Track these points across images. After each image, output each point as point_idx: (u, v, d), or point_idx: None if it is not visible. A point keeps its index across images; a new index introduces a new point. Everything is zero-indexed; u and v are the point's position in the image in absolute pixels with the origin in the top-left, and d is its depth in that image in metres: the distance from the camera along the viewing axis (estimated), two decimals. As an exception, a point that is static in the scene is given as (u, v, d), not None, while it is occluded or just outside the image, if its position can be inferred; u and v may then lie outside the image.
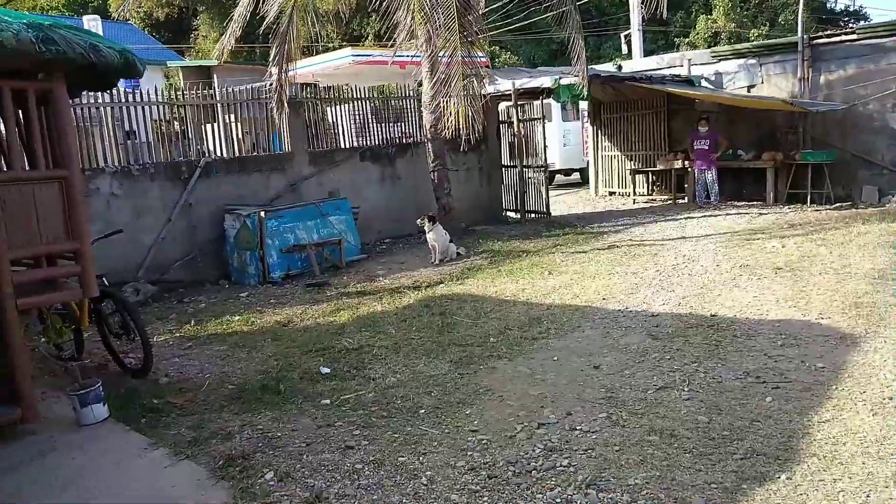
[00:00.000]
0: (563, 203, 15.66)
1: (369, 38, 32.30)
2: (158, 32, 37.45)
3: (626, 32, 19.03)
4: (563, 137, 18.67)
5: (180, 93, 9.88)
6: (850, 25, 12.90)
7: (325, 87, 11.48)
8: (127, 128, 9.07)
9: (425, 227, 9.72)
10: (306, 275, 9.34)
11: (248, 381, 5.29)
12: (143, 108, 9.15)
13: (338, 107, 11.50)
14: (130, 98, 9.05)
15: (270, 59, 9.54)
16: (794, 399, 4.22)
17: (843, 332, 5.32)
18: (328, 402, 4.74)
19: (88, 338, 6.08)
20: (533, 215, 13.12)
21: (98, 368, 5.79)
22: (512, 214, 13.60)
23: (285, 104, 9.63)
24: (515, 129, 12.79)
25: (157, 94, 9.23)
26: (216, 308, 8.07)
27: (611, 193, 16.08)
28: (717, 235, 9.98)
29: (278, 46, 9.23)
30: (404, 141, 12.11)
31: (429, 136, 11.25)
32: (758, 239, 9.40)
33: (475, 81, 9.53)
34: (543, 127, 12.78)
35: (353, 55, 26.48)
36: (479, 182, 13.21)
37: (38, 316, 5.35)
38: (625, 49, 19.04)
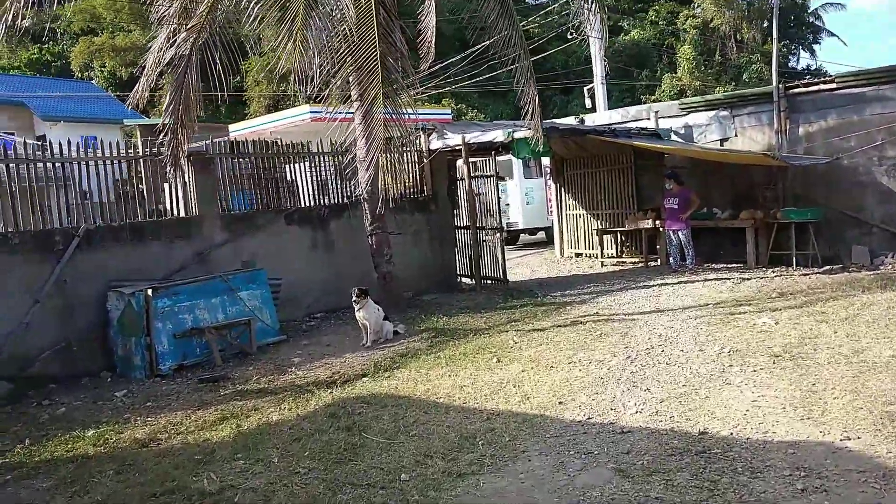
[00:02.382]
0: (525, 266, 14.26)
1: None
2: (123, 90, 36.24)
3: (590, 86, 18.04)
4: (525, 195, 17.41)
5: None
6: (829, 75, 11.85)
7: (253, 142, 10.07)
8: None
9: (354, 303, 8.16)
10: (206, 365, 7.71)
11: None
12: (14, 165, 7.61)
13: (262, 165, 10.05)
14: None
15: (164, 108, 8.09)
16: None
17: (883, 466, 3.83)
18: None
19: None
20: (489, 282, 11.65)
21: None
22: (467, 281, 12.14)
23: (181, 160, 8.12)
24: (467, 188, 11.43)
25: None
26: (77, 414, 6.38)
27: (577, 255, 14.72)
28: (697, 308, 8.56)
29: (174, 93, 7.78)
30: (341, 201, 10.63)
31: (365, 195, 9.82)
32: (744, 312, 8.00)
33: (409, 137, 8.14)
34: (497, 185, 11.42)
35: (310, 112, 25.49)
36: (429, 245, 11.75)
37: None
38: (588, 103, 18.03)
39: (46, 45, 39.09)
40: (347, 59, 7.82)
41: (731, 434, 4.46)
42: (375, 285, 9.61)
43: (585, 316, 8.68)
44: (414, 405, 5.66)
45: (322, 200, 10.43)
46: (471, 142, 11.29)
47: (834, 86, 11.40)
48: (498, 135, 11.04)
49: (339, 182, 10.69)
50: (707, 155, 11.64)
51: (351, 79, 8.45)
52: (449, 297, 10.93)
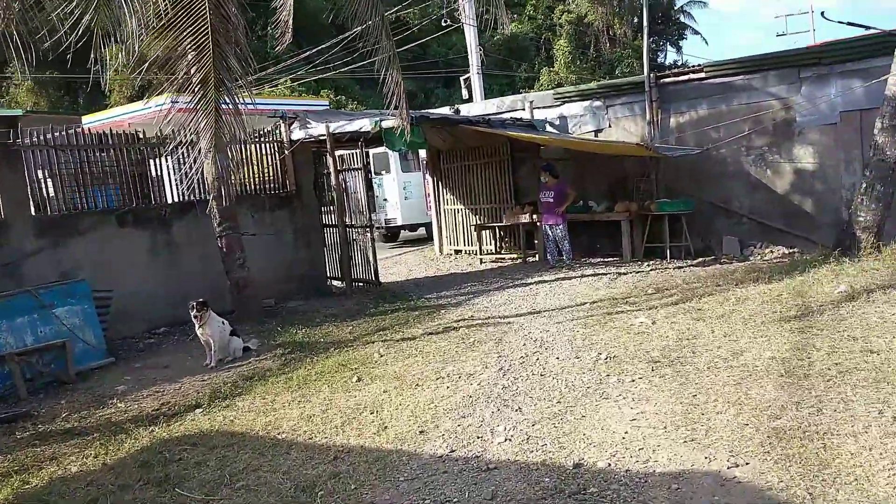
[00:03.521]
0: (403, 265, 13.52)
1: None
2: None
3: (466, 76, 17.50)
4: (403, 190, 16.67)
5: None
6: (699, 64, 11.87)
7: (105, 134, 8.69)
8: None
9: (194, 319, 7.08)
10: (9, 398, 6.40)
11: None
12: None
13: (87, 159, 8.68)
14: None
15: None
16: None
17: (775, 501, 3.34)
18: None
19: None
20: (361, 285, 10.81)
21: None
22: (339, 284, 11.24)
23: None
24: (334, 182, 10.51)
25: None
26: None
27: (457, 252, 14.14)
28: (574, 308, 8.12)
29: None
30: (190, 198, 9.38)
31: (212, 192, 8.70)
32: (621, 312, 7.61)
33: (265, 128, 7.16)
34: (365, 179, 10.56)
35: (173, 101, 23.53)
36: (295, 246, 10.73)
37: None
38: (465, 94, 17.49)
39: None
40: (184, 39, 6.70)
41: (609, 465, 3.87)
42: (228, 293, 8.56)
43: (460, 321, 8.03)
44: (249, 445, 4.74)
45: (165, 199, 9.18)
46: (336, 132, 10.37)
47: (703, 75, 11.38)
48: (365, 124, 10.20)
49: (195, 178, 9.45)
50: (581, 145, 11.33)
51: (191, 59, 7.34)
52: (317, 302, 9.99)
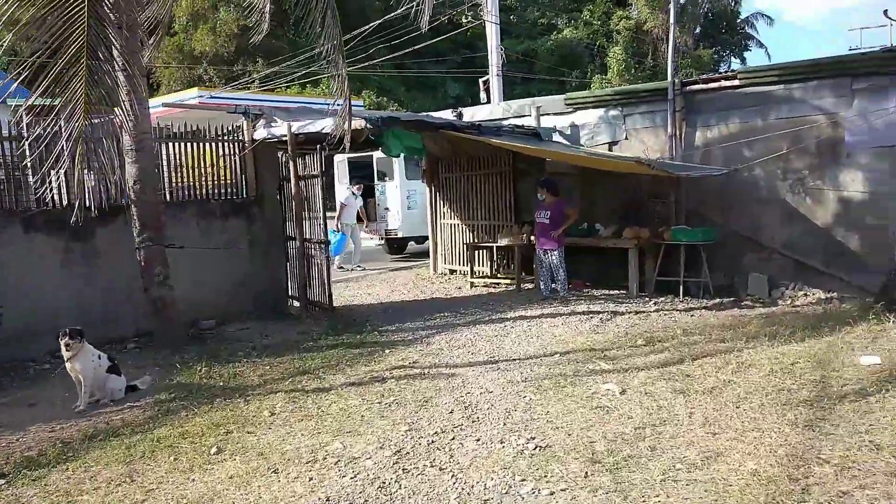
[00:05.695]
0: (386, 284, 12.15)
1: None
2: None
3: (485, 78, 16.04)
4: (406, 199, 15.30)
5: None
6: (732, 70, 10.12)
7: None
8: None
9: (64, 349, 5.87)
10: None
11: None
12: None
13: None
14: None
15: None
16: None
17: None
18: None
19: None
20: (317, 308, 9.49)
21: None
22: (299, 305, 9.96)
23: None
24: (293, 190, 9.24)
25: None
26: None
27: (451, 272, 12.70)
28: (539, 359, 6.60)
29: None
30: (120, 202, 8.21)
31: (133, 196, 7.53)
32: (592, 372, 6.06)
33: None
34: (322, 186, 9.22)
35: (198, 95, 22.84)
36: (250, 260, 9.49)
37: None
38: (483, 97, 16.03)
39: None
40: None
41: None
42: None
43: (397, 367, 6.61)
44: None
45: (86, 202, 8.03)
46: (299, 132, 9.10)
47: (737, 83, 9.65)
48: (327, 124, 8.86)
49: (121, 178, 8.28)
50: (575, 159, 9.80)
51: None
52: (262, 327, 8.72)
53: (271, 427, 5.14)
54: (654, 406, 5.04)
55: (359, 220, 14.82)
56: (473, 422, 5.02)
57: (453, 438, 4.72)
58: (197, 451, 4.72)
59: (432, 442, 4.68)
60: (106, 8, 5.59)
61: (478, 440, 4.66)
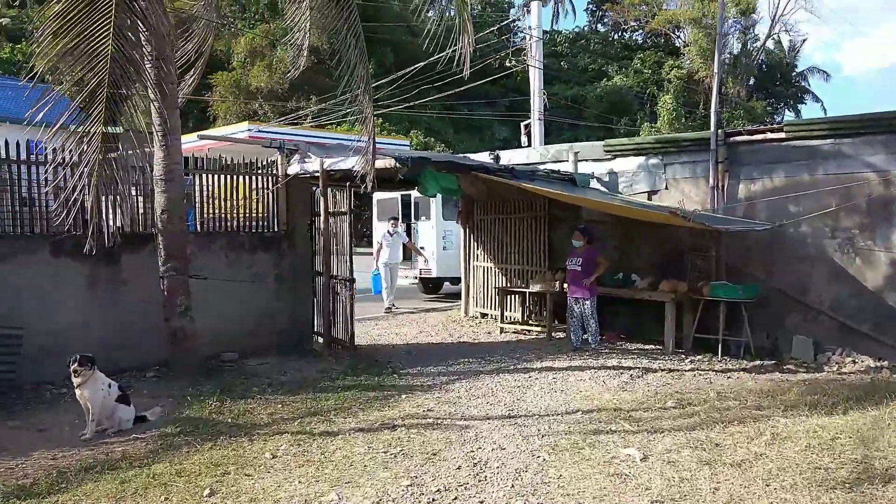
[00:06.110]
0: (415, 325, 11.94)
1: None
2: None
3: (527, 122, 15.94)
4: (442, 239, 15.15)
5: None
6: (778, 122, 9.76)
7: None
8: None
9: (73, 375, 5.81)
10: None
11: None
12: None
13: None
14: None
15: None
16: None
17: None
18: None
19: None
20: (340, 347, 9.32)
21: None
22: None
23: None
24: (321, 227, 9.19)
25: None
26: None
27: (483, 315, 12.43)
28: (560, 416, 6.27)
29: None
30: (144, 229, 8.25)
31: (160, 225, 7.55)
32: (614, 432, 5.70)
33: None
34: (352, 223, 9.11)
35: (248, 129, 23.41)
36: (277, 294, 9.41)
37: None
38: (524, 140, 15.92)
39: (19, 45, 36.38)
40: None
41: None
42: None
43: (414, 414, 6.37)
44: None
45: (117, 228, 8.10)
46: (330, 168, 9.08)
47: (783, 135, 9.30)
48: (355, 162, 8.80)
49: (146, 206, 8.36)
50: (607, 208, 9.55)
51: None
52: (282, 362, 8.59)
53: (270, 471, 4.93)
54: (676, 477, 4.67)
55: (405, 257, 14.57)
56: (480, 481, 4.73)
57: (455, 499, 4.44)
58: (189, 492, 4.55)
59: (433, 501, 4.40)
60: (131, 42, 5.63)
61: (481, 502, 4.37)
